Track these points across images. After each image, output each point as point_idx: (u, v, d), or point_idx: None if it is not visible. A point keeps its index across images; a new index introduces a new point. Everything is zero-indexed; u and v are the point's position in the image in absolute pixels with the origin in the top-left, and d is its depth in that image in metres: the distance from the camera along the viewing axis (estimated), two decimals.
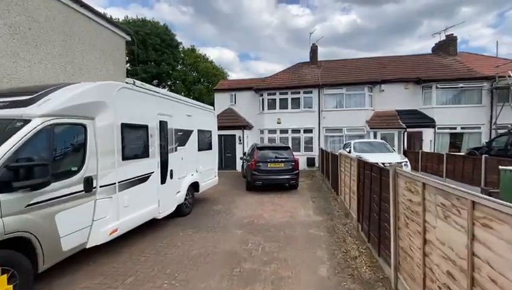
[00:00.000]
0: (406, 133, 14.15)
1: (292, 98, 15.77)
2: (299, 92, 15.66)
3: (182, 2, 57.52)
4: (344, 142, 14.82)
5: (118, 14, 53.54)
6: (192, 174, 6.75)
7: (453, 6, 59.83)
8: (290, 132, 15.78)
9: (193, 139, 6.82)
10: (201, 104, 7.63)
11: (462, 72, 14.76)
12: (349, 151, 10.25)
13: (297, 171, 9.19)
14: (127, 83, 4.43)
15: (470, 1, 60.14)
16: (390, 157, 8.69)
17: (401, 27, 67.86)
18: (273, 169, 9.06)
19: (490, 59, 16.56)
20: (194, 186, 6.96)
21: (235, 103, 17.10)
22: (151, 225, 5.47)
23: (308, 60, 19.18)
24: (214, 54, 65.05)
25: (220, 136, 15.53)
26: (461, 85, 14.14)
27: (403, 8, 68.27)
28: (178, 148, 6.02)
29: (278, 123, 15.84)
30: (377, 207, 3.72)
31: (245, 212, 6.94)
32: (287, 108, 15.83)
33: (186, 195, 6.50)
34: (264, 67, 66.91)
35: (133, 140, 4.59)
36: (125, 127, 4.26)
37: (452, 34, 17.21)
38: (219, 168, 15.87)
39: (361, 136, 14.64)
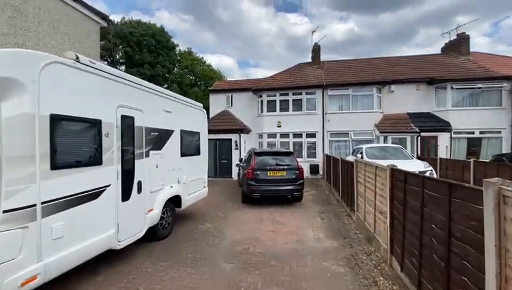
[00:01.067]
0: (419, 137, 12.84)
1: (293, 100, 14.48)
2: (301, 93, 14.37)
3: (182, 10, 57.59)
4: (352, 148, 13.50)
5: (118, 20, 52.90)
6: (172, 186, 5.35)
7: (449, 15, 59.83)
8: (291, 136, 14.43)
9: (174, 141, 5.45)
10: (187, 99, 6.28)
11: (479, 71, 13.54)
12: (362, 157, 8.88)
13: (302, 181, 7.80)
14: (65, 57, 3.08)
15: (466, 10, 60.11)
16: (412, 165, 7.32)
17: (398, 35, 67.91)
18: (274, 178, 7.67)
19: (507, 59, 15.41)
20: (175, 201, 5.55)
21: (231, 105, 15.79)
22: (112, 253, 4.04)
23: (309, 61, 17.99)
24: (213, 60, 64.78)
25: (214, 140, 14.19)
26: (479, 85, 12.90)
27: (399, 17, 68.44)
28: (151, 152, 4.64)
29: (278, 127, 14.51)
30: (443, 247, 2.33)
31: (238, 234, 5.51)
32: (287, 110, 14.52)
33: (164, 213, 5.09)
34: (263, 74, 66.16)
35: (75, 140, 3.20)
36: (58, 120, 2.89)
37: (464, 32, 16.10)
38: (213, 176, 14.51)
39: (369, 141, 13.31)
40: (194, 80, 33.04)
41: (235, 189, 10.74)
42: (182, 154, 5.80)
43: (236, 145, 13.75)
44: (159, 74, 28.11)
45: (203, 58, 36.43)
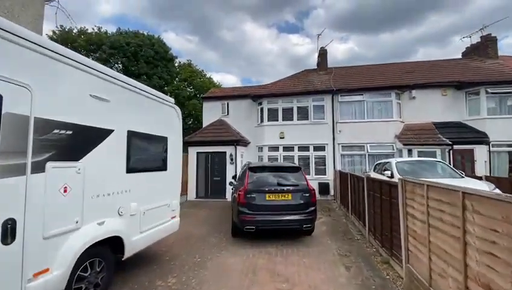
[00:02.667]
0: (451, 151, 10.65)
1: (298, 107, 12.52)
2: (307, 100, 12.44)
3: (188, 31, 58.92)
4: (368, 162, 11.31)
5: None
6: (104, 222, 3.22)
7: (446, 36, 59.53)
8: (296, 149, 12.33)
9: (112, 148, 3.39)
10: (147, 88, 4.29)
11: None
12: (391, 175, 6.71)
13: (313, 208, 5.62)
14: None
15: (464, 31, 59.89)
16: (470, 186, 5.13)
17: (397, 54, 67.69)
18: (275, 204, 5.50)
19: None
20: (114, 245, 3.40)
21: (227, 113, 13.87)
22: None
23: (315, 68, 16.26)
24: (216, 78, 64.98)
25: (205, 154, 12.13)
26: None
27: (398, 37, 68.59)
28: (51, 165, 2.57)
29: (280, 138, 12.45)
30: None
31: None
32: (292, 119, 12.52)
33: (85, 270, 2.95)
34: None
35: None
36: None
37: (490, 34, 14.32)
38: (203, 197, 12.18)
39: (388, 155, 11.16)
40: (192, 92, 31.62)
41: (227, 213, 8.53)
42: (131, 170, 3.72)
43: (232, 160, 11.66)
44: (155, 85, 26.69)
45: (203, 70, 35.36)
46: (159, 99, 4.55)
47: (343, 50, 71.92)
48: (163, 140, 4.60)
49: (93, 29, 27.82)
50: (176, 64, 32.19)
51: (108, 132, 3.32)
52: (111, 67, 27.01)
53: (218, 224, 7.49)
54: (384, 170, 7.25)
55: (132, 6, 51.27)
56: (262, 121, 12.90)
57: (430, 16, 59.62)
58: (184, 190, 11.74)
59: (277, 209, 5.46)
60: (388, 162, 7.58)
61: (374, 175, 7.55)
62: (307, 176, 10.15)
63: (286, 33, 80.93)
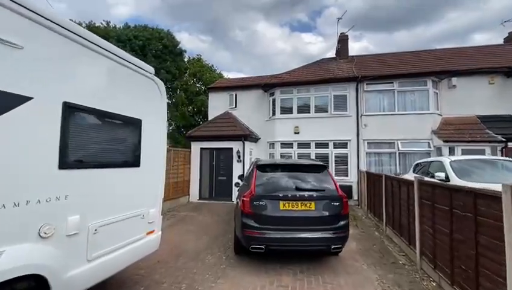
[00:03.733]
0: (504, 149, 8.77)
1: (316, 98, 10.93)
2: (327, 89, 10.83)
3: (201, 31, 58.79)
4: (398, 161, 9.64)
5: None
6: (2, 253, 1.87)
7: (465, 33, 55.55)
8: (313, 146, 10.77)
9: (26, 127, 2.04)
10: (106, 43, 2.92)
11: None
12: (446, 178, 5.08)
13: (345, 222, 4.10)
14: None
15: (482, 29, 55.55)
16: None
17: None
18: (292, 216, 4.02)
19: None
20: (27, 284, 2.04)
21: (235, 106, 12.47)
22: None
23: (333, 56, 14.56)
24: (227, 76, 64.48)
25: (210, 150, 10.80)
26: None
27: (414, 35, 65.18)
28: None
29: (295, 133, 10.92)
30: None
31: None
32: (308, 112, 10.96)
33: None
34: None
35: None
36: None
37: None
38: (207, 198, 10.84)
39: (423, 154, 9.42)
40: (202, 88, 30.53)
41: (232, 219, 7.16)
42: (68, 164, 2.35)
43: (239, 157, 10.25)
44: (162, 79, 25.70)
45: (212, 66, 34.17)
46: (129, 65, 3.17)
47: (358, 48, 69.26)
48: (134, 123, 3.22)
49: (101, 23, 27.13)
50: (185, 59, 31.20)
51: (16, 100, 1.96)
52: None
53: (219, 234, 6.11)
54: (434, 171, 5.58)
55: (146, 6, 51.15)
56: (274, 114, 11.41)
57: (448, 13, 56.02)
58: (186, 191, 10.46)
59: (295, 223, 3.98)
60: (438, 161, 5.90)
61: (409, 176, 5.91)
62: None
63: (299, 32, 79.28)
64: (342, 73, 11.12)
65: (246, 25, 68.66)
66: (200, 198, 10.57)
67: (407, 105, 10.18)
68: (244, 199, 4.14)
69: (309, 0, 72.03)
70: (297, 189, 4.18)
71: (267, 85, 11.42)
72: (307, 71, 12.29)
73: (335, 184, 4.34)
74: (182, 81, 28.11)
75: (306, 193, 4.11)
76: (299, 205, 4.02)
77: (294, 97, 11.13)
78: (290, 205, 4.02)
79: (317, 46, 72.82)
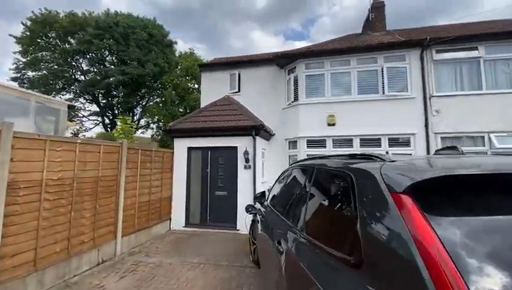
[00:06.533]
0: None
1: (360, 73, 7.45)
2: (375, 60, 7.37)
3: (197, 39, 56.63)
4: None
5: None
6: None
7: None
8: (357, 143, 7.23)
9: None
10: None
11: None
12: None
13: None
14: None
15: None
16: None
17: None
18: None
19: None
20: None
21: (238, 89, 8.90)
22: None
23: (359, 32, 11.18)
24: None
25: (203, 150, 7.12)
26: None
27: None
28: None
29: (329, 125, 7.39)
30: None
31: None
32: (349, 93, 7.46)
33: None
34: None
35: None
36: None
37: None
38: (198, 224, 5.84)
39: None
40: (194, 85, 26.97)
41: (239, 268, 3.55)
42: None
43: (248, 161, 6.62)
44: (149, 73, 22.09)
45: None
46: None
47: None
48: None
49: (83, 13, 23.51)
50: (177, 54, 27.71)
51: None
52: (95, 51, 22.64)
53: None
54: None
55: (139, 13, 48.47)
56: (296, 98, 7.87)
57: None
58: (165, 213, 6.78)
59: None
60: None
61: None
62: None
63: (292, 40, 79.09)
64: (393, 39, 7.70)
65: (242, 34, 67.87)
66: (188, 224, 6.87)
67: (500, 80, 6.77)
68: None
69: (304, 10, 71.53)
70: None
71: (285, 56, 7.89)
72: (337, 44, 8.82)
73: None
74: (172, 76, 24.48)
75: None
76: None
77: (326, 72, 7.61)
78: None
79: None
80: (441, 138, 6.82)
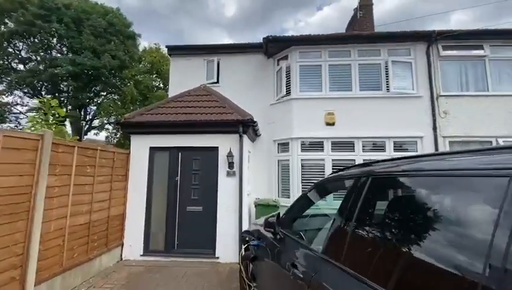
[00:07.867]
0: None
1: (362, 66, 6.48)
2: (378, 52, 6.47)
3: (163, 42, 54.68)
4: None
5: None
6: None
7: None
8: (359, 147, 6.17)
9: None
10: None
11: None
12: None
13: None
14: None
15: None
16: None
17: None
18: None
19: None
20: None
21: (217, 80, 7.38)
22: None
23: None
24: None
25: (170, 152, 5.20)
26: None
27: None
28: None
29: (328, 124, 6.25)
30: None
31: None
32: (349, 88, 6.42)
33: None
34: None
35: None
36: None
37: None
38: (162, 251, 4.25)
39: None
40: (159, 83, 24.58)
41: None
42: None
43: (231, 166, 5.08)
44: (105, 66, 19.23)
45: None
46: None
47: None
48: None
49: None
50: (140, 48, 25.03)
51: None
52: (38, 35, 19.12)
53: None
54: None
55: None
56: (288, 91, 6.61)
57: None
58: (115, 238, 4.90)
59: None
60: None
61: None
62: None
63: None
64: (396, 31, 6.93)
65: (211, 39, 65.40)
66: (147, 252, 5.04)
67: (506, 80, 6.33)
68: None
69: (271, 23, 73.32)
70: None
71: (277, 40, 6.60)
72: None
73: None
74: (134, 71, 21.81)
75: None
76: None
77: (324, 63, 6.51)
78: None
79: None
80: (450, 142, 6.09)
